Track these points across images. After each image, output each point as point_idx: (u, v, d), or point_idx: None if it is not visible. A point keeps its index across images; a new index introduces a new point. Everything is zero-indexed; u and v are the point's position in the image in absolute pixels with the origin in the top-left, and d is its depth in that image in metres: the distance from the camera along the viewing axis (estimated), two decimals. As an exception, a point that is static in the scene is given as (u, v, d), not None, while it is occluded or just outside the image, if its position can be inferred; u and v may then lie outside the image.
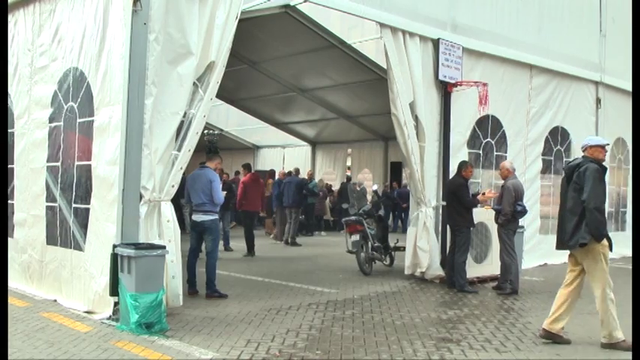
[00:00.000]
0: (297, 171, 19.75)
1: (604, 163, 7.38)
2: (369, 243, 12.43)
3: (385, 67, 11.17)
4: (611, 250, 7.13)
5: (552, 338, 7.17)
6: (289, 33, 15.05)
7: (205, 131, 21.33)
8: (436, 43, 11.51)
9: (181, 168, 8.23)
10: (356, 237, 12.27)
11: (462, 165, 10.94)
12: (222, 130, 26.54)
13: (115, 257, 7.59)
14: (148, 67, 7.85)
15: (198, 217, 9.68)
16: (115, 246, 7.63)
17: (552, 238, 14.66)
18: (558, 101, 14.69)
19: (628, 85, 16.55)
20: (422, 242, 11.30)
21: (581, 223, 6.99)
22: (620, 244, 16.91)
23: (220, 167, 10.83)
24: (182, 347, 6.71)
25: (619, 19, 16.25)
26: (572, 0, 15.11)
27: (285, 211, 18.46)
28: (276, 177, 20.50)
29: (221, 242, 14.61)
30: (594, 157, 7.27)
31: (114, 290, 7.64)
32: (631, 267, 14.57)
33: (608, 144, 7.49)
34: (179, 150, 8.17)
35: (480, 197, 10.92)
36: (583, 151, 7.45)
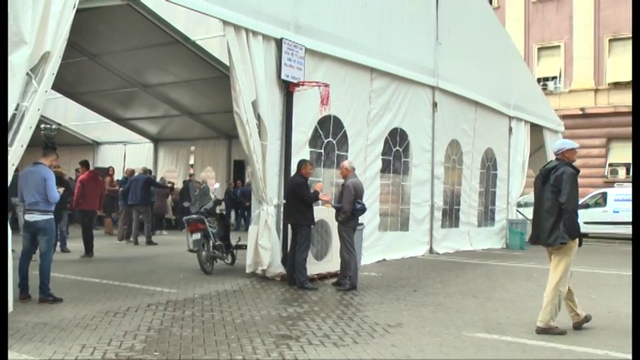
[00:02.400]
0: (146, 170, 19.20)
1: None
2: (211, 242, 12.36)
3: (229, 64, 11.13)
4: (580, 245, 7.70)
5: (548, 332, 7.59)
6: (131, 26, 14.69)
7: (42, 125, 20.40)
8: (279, 42, 11.60)
9: (13, 164, 7.79)
10: (197, 236, 12.15)
11: (301, 163, 11.11)
12: (60, 124, 25.36)
13: None
14: (-24, 56, 7.38)
15: (31, 217, 9.14)
16: None
17: (391, 235, 15.44)
18: (397, 104, 15.28)
19: (461, 90, 17.61)
20: (263, 240, 11.36)
21: (558, 223, 7.52)
22: (453, 240, 17.93)
23: (56, 164, 10.36)
24: (11, 357, 6.32)
25: (454, 29, 17.16)
26: (411, 8, 15.76)
27: (132, 209, 17.98)
28: (122, 175, 19.98)
29: (58, 243, 14.04)
30: (570, 160, 7.84)
31: None
32: (465, 260, 15.51)
33: (578, 146, 8.22)
34: (10, 145, 7.72)
35: (317, 187, 11.10)
36: (558, 155, 7.92)
